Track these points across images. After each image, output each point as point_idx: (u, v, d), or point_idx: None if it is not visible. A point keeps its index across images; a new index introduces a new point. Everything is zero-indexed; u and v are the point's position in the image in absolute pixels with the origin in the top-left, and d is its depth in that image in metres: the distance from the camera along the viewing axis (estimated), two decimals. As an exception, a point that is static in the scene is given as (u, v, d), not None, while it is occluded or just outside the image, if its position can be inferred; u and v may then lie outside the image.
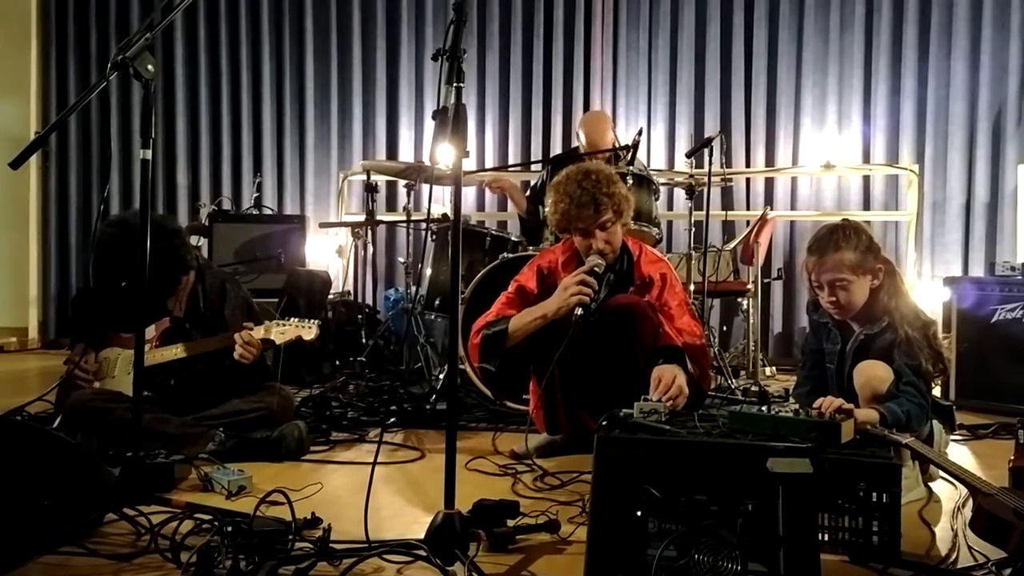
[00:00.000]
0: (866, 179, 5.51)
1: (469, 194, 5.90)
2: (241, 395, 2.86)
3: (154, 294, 2.74)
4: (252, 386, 2.89)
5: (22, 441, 1.93)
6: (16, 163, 1.94)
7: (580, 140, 4.43)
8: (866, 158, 5.48)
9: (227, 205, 5.96)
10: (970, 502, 1.92)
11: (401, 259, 5.09)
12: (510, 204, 5.10)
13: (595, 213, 2.75)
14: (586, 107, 5.80)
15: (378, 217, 4.98)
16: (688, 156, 4.34)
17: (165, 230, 2.74)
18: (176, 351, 2.82)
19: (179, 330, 2.91)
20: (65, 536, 1.84)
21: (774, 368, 5.05)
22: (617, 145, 4.24)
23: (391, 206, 6.01)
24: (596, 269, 2.71)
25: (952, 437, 2.76)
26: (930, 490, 2.38)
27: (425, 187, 4.87)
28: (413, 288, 4.37)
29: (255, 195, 5.77)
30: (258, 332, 2.74)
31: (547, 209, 2.90)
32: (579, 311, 2.62)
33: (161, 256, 2.57)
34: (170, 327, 2.94)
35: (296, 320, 2.77)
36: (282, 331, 2.74)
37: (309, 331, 2.74)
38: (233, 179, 6.31)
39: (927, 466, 2.36)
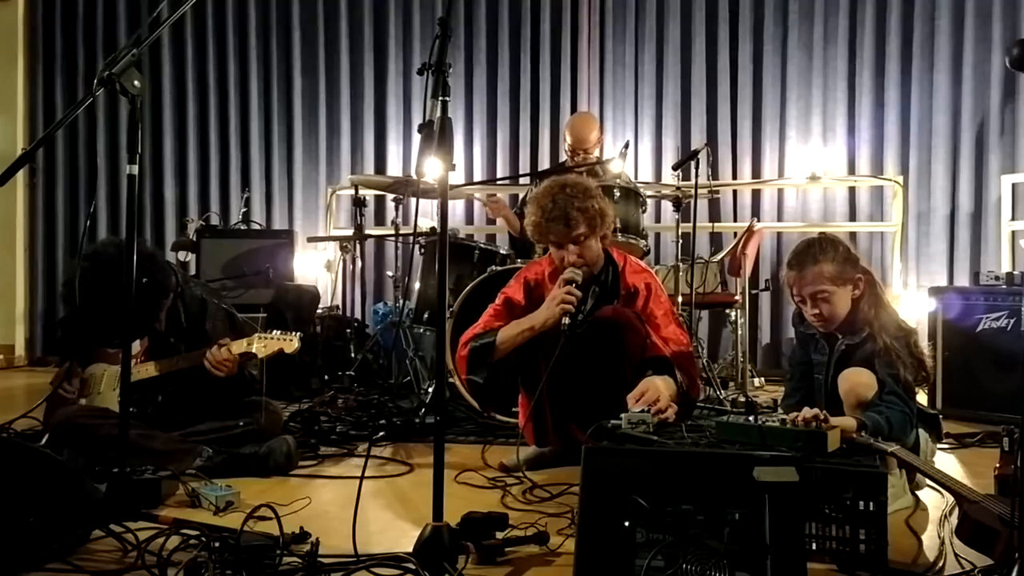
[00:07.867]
0: (851, 191, 5.54)
1: (457, 208, 5.90)
2: (228, 410, 2.85)
3: (139, 320, 2.72)
4: (236, 400, 2.88)
5: (8, 458, 1.92)
6: (2, 179, 1.94)
7: (566, 141, 4.44)
8: (851, 170, 5.52)
9: (215, 220, 5.94)
10: (956, 510, 1.93)
11: (389, 273, 5.08)
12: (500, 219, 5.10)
13: (566, 227, 2.76)
14: (574, 121, 5.82)
15: (366, 231, 4.98)
16: (675, 169, 4.36)
17: (140, 257, 2.69)
18: (157, 367, 2.80)
19: (164, 345, 2.90)
20: (51, 553, 1.83)
21: (762, 379, 5.06)
22: (602, 146, 4.26)
23: (379, 220, 6.00)
24: (575, 278, 2.73)
25: (939, 446, 2.78)
26: (917, 498, 2.40)
27: (413, 201, 4.88)
28: (401, 302, 4.37)
29: (243, 210, 5.75)
30: (240, 346, 2.73)
31: (525, 221, 2.92)
32: (566, 320, 2.63)
33: (139, 285, 2.55)
34: (154, 343, 2.92)
35: (279, 333, 2.76)
36: (264, 344, 2.73)
37: (291, 343, 2.73)
38: (221, 194, 6.29)
39: (914, 474, 2.38)
